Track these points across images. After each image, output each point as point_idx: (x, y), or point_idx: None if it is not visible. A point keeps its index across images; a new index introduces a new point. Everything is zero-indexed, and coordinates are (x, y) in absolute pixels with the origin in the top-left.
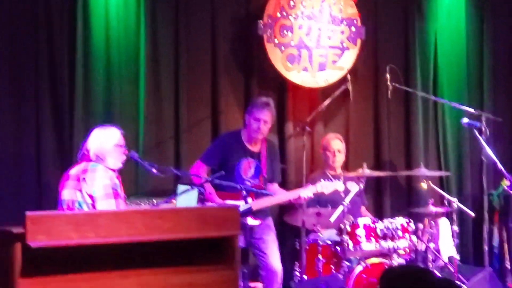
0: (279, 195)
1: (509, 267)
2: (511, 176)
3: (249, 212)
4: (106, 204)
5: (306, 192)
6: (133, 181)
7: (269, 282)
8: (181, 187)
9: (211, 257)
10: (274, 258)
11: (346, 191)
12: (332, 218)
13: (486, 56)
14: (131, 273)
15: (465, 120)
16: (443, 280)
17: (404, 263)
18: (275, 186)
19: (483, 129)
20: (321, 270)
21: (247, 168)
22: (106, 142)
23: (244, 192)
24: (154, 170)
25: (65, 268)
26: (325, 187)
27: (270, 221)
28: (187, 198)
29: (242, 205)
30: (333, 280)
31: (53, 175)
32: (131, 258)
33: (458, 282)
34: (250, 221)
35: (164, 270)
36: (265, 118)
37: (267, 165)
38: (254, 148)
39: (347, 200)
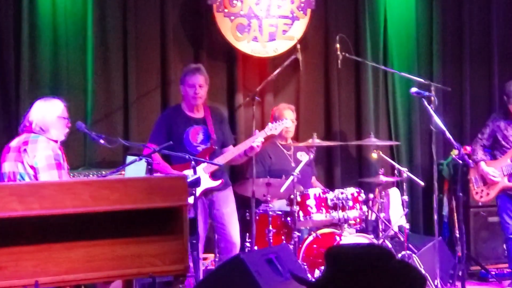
0: (231, 150)
1: (458, 235)
2: (459, 145)
3: (198, 182)
4: (48, 175)
5: (257, 139)
6: (81, 152)
7: (227, 254)
8: (129, 158)
9: (159, 228)
10: (233, 230)
11: (296, 161)
12: (282, 189)
13: (436, 26)
14: (77, 244)
15: (414, 89)
16: (401, 266)
17: (355, 232)
18: (231, 148)
19: (432, 98)
20: (272, 241)
21: (195, 135)
22: (49, 113)
23: (193, 162)
24: (101, 141)
25: (9, 240)
26: (274, 128)
27: (230, 191)
28: (135, 169)
29: (190, 175)
30: (283, 250)
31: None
32: (78, 229)
33: (418, 269)
34: (211, 182)
35: (111, 241)
36: (200, 82)
37: (215, 129)
38: (197, 115)
39: (297, 170)
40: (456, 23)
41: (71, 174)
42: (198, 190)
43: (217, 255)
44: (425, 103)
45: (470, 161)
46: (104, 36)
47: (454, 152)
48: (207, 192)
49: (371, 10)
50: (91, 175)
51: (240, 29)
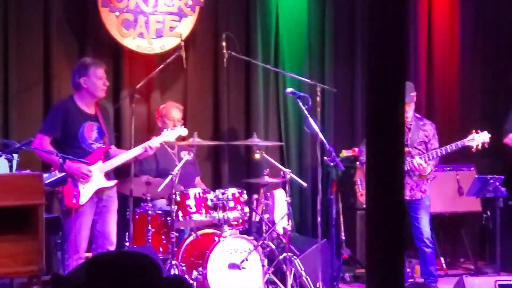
0: (124, 153)
1: (344, 238)
2: (331, 148)
3: (63, 180)
4: None
5: (153, 143)
6: None
7: (102, 251)
8: None
9: (13, 228)
10: (111, 228)
11: (181, 160)
12: (160, 188)
13: (328, 26)
14: None
15: (289, 89)
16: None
17: (238, 234)
18: (113, 147)
19: (309, 99)
20: (151, 240)
21: (90, 131)
22: None
23: (61, 160)
24: None
25: None
26: (170, 135)
27: (115, 191)
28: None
29: (57, 173)
30: (146, 251)
31: None
32: None
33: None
34: (105, 182)
35: None
36: (105, 74)
37: (105, 125)
38: (91, 110)
39: (175, 169)
40: (348, 23)
41: None
42: (92, 189)
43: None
44: (299, 103)
45: (357, 162)
46: None
47: (343, 153)
48: (99, 191)
49: (263, 8)
50: None
51: (126, 25)
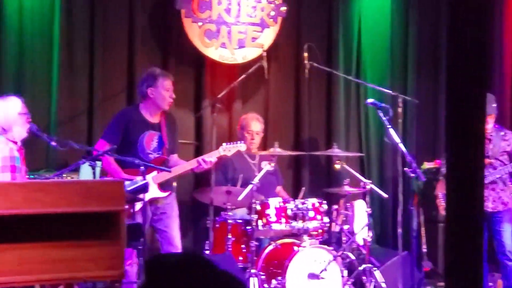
0: (179, 166)
1: (425, 250)
2: (412, 159)
3: (146, 187)
4: (1, 177)
5: (209, 157)
6: (43, 154)
7: None
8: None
9: (96, 232)
10: (175, 234)
11: (260, 170)
12: (240, 197)
13: (411, 38)
14: (9, 247)
15: (370, 100)
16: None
17: (317, 244)
18: (175, 157)
19: (390, 110)
20: (231, 249)
21: (150, 141)
22: (9, 112)
23: (142, 168)
24: (53, 143)
25: None
26: (227, 149)
27: (174, 198)
28: (88, 172)
29: (139, 180)
30: (225, 259)
31: None
32: (9, 231)
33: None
34: (158, 193)
35: (44, 244)
36: (172, 86)
37: (168, 137)
38: (154, 119)
39: (256, 179)
40: (432, 34)
41: (31, 176)
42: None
43: None
44: (380, 114)
45: (439, 175)
46: (70, 37)
47: (425, 165)
48: (153, 201)
49: (345, 19)
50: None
51: (209, 35)
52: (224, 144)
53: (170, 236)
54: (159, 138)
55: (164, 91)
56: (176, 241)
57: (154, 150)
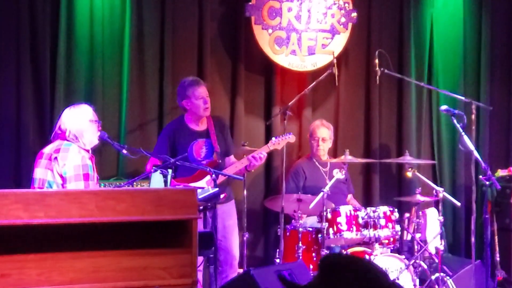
0: (234, 165)
1: (498, 259)
2: (486, 166)
3: (218, 195)
4: (75, 185)
5: (259, 154)
6: (114, 162)
7: (225, 266)
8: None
9: (168, 240)
10: (234, 242)
11: (332, 179)
12: (311, 205)
13: (484, 44)
14: (83, 254)
15: (443, 107)
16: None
17: (389, 252)
18: (232, 158)
19: (464, 117)
20: (301, 257)
21: (199, 149)
22: (81, 119)
23: (214, 175)
24: (124, 151)
25: (13, 248)
26: (276, 143)
27: (232, 205)
28: (159, 180)
29: (210, 188)
30: (298, 267)
31: (33, 154)
32: (84, 239)
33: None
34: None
35: (118, 252)
36: (207, 93)
37: (218, 140)
38: (201, 127)
39: (327, 187)
40: (505, 40)
41: (102, 184)
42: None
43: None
44: (454, 120)
45: None
46: (141, 46)
47: (499, 173)
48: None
49: (417, 25)
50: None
51: (278, 42)
52: (273, 138)
53: (227, 245)
54: (208, 144)
55: (197, 100)
56: (234, 251)
57: (205, 157)
